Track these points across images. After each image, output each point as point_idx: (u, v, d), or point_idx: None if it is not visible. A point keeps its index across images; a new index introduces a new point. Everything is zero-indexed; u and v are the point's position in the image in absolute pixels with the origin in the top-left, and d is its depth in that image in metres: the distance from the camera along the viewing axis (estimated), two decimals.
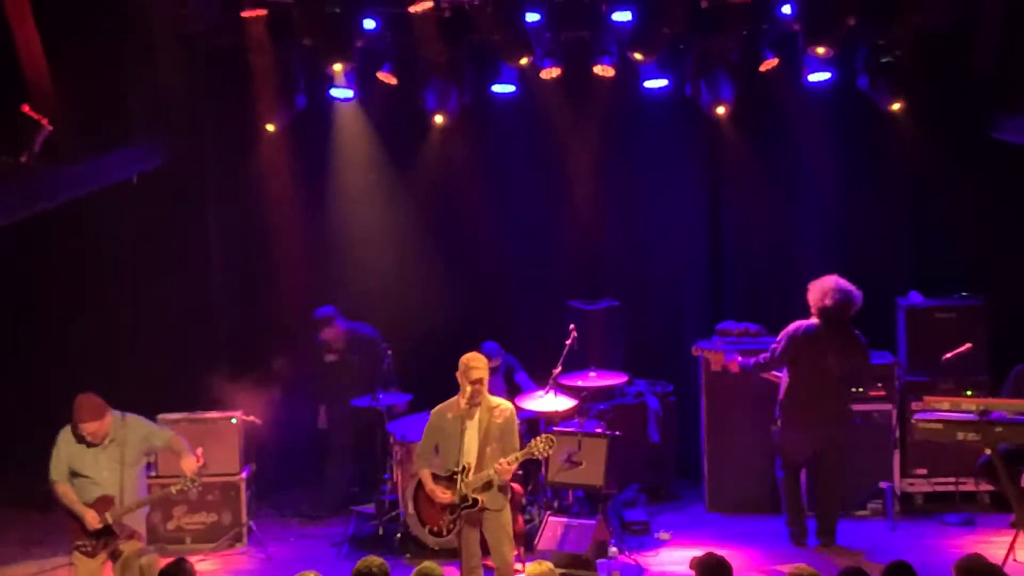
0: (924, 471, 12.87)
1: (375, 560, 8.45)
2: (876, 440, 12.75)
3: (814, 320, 11.97)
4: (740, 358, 12.20)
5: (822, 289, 11.94)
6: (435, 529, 10.49)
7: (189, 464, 10.56)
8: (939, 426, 11.17)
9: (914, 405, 12.45)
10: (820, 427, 11.95)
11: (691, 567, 8.17)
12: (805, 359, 11.90)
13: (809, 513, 12.24)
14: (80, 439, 10.39)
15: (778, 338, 12.06)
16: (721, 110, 13.45)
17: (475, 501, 10.22)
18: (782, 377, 12.10)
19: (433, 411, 10.58)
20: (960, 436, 11.16)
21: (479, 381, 10.22)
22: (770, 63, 13.19)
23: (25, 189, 11.98)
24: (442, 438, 10.42)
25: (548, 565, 8.70)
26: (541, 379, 12.44)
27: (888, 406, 12.79)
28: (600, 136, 14.05)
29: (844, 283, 11.93)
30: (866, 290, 13.59)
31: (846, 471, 12.22)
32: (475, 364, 10.25)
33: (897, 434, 12.75)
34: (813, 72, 13.26)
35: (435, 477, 10.44)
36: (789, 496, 12.19)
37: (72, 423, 10.41)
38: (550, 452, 10.45)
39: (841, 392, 12.03)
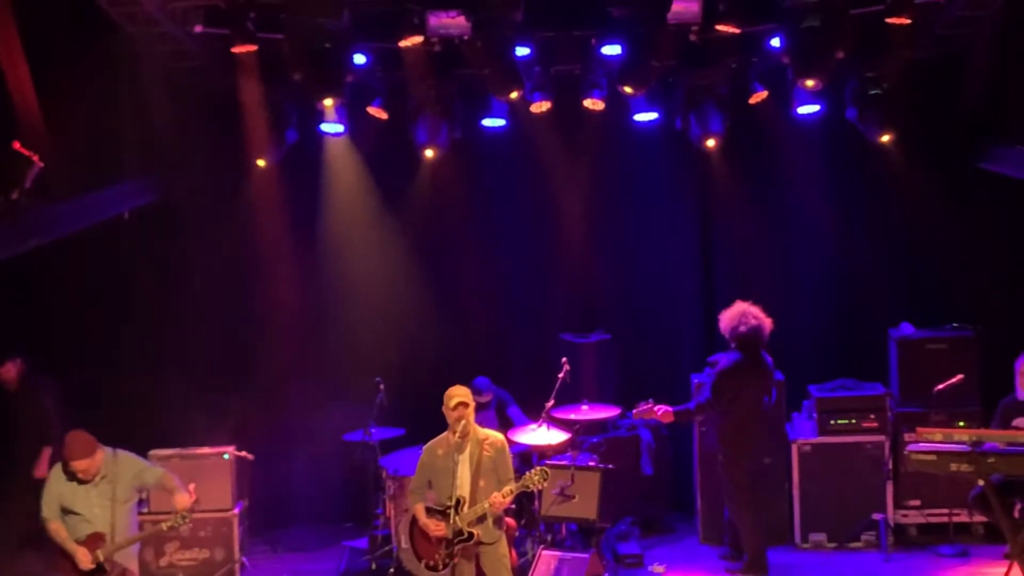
0: (918, 502, 12.87)
1: None
2: (869, 471, 12.76)
3: (734, 351, 12.05)
4: (669, 408, 12.11)
5: (733, 316, 12.07)
6: (431, 563, 10.45)
7: (182, 500, 10.53)
8: (932, 457, 11.14)
9: (907, 436, 12.51)
10: (760, 455, 12.14)
11: None
12: (737, 390, 11.97)
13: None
14: (71, 476, 10.37)
15: (712, 381, 12.08)
16: (711, 143, 13.46)
17: (470, 535, 10.20)
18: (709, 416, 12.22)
19: (425, 447, 10.57)
20: (953, 467, 11.13)
21: (461, 406, 10.22)
22: (760, 96, 13.23)
23: (17, 226, 11.97)
24: (434, 474, 10.42)
25: None
26: (534, 413, 12.42)
27: (881, 437, 12.80)
28: (590, 169, 14.07)
29: (754, 308, 12.04)
30: (858, 322, 13.74)
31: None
32: (454, 393, 10.28)
33: (890, 465, 12.73)
34: (802, 104, 13.30)
35: (429, 511, 10.42)
36: (752, 527, 12.15)
37: (63, 460, 10.39)
38: (544, 485, 10.44)
39: (770, 418, 12.21)
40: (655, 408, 11.99)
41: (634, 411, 12.14)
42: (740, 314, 12.06)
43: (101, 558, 10.27)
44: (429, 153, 13.76)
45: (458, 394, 10.28)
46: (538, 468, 10.32)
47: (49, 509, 10.43)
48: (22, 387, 12.34)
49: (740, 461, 12.04)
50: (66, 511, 10.39)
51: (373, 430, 12.67)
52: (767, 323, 12.07)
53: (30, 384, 12.36)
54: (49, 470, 10.70)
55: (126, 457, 10.61)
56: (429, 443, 10.55)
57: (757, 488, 12.20)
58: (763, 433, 12.19)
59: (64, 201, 12.61)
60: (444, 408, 10.31)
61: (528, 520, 12.35)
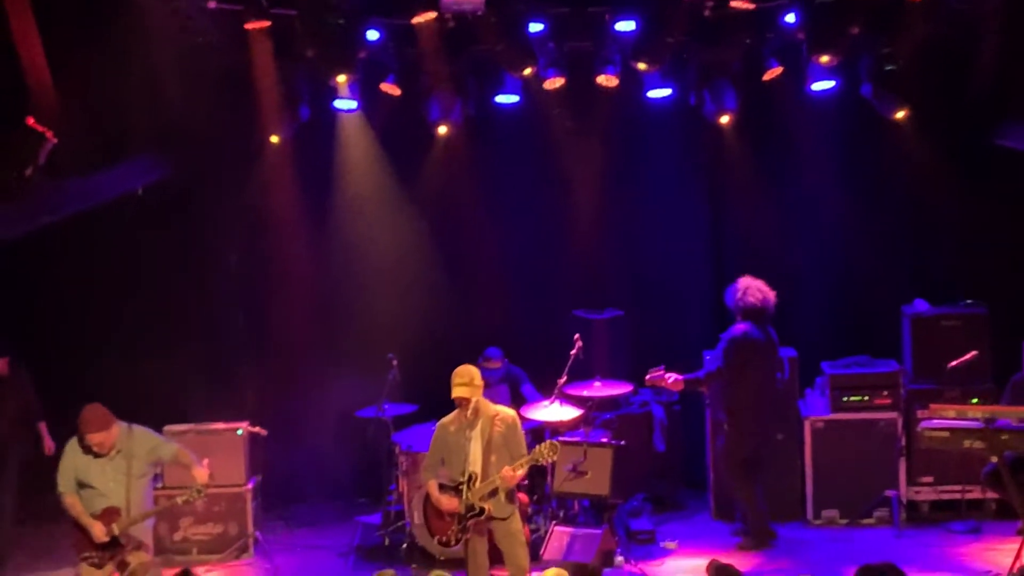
0: (930, 479, 12.85)
1: (385, 573, 8.44)
2: (882, 448, 12.76)
3: (743, 324, 12.11)
4: (679, 375, 12.15)
5: (739, 289, 12.17)
6: (443, 539, 10.47)
7: (198, 475, 10.57)
8: (945, 434, 11.14)
9: (920, 413, 12.47)
10: (766, 428, 12.21)
11: (707, 573, 8.14)
12: (747, 360, 12.04)
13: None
14: (87, 450, 10.40)
15: (722, 350, 12.13)
16: (725, 119, 13.45)
17: (482, 510, 10.22)
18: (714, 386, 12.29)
19: (437, 424, 10.59)
20: (966, 444, 11.14)
21: (459, 400, 10.23)
22: (774, 72, 13.19)
23: (30, 202, 12.00)
24: (446, 450, 10.43)
25: (561, 572, 8.68)
26: (546, 389, 12.42)
27: (894, 414, 12.79)
28: (603, 146, 14.04)
29: (758, 282, 12.15)
30: (871, 298, 13.72)
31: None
32: (456, 380, 10.25)
33: (903, 442, 12.73)
34: (817, 81, 13.26)
35: (442, 487, 10.43)
36: (753, 498, 12.20)
37: (79, 434, 10.42)
38: (554, 458, 10.43)
39: (775, 390, 12.26)
40: (665, 376, 12.01)
41: (647, 377, 12.18)
42: (745, 287, 12.15)
43: (116, 532, 10.30)
44: (442, 130, 13.74)
45: (459, 382, 10.24)
46: (548, 442, 10.32)
47: (65, 483, 10.46)
48: (10, 376, 12.33)
49: (744, 432, 12.11)
50: (82, 485, 10.42)
51: (386, 406, 12.68)
52: (772, 296, 12.10)
53: (16, 373, 12.36)
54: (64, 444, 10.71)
55: (141, 432, 10.64)
56: (441, 420, 10.57)
57: (761, 461, 12.25)
58: (771, 407, 12.25)
59: (77, 178, 12.63)
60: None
61: (540, 496, 12.37)
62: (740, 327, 12.16)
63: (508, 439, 10.30)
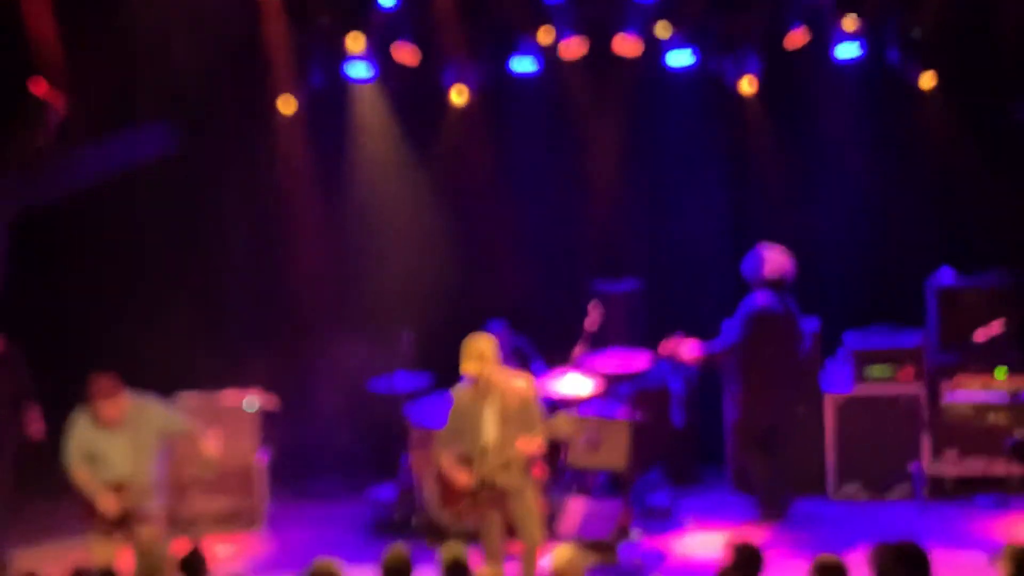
0: (954, 453, 12.66)
1: (398, 548, 8.33)
2: (905, 422, 12.60)
3: (761, 294, 11.97)
4: (697, 347, 12.07)
5: (758, 258, 12.04)
6: (456, 512, 10.35)
7: (208, 446, 10.50)
8: (970, 408, 11.05)
9: (944, 386, 12.34)
10: (782, 401, 12.07)
11: (725, 549, 7.99)
12: (765, 331, 11.92)
13: None
14: (96, 421, 10.32)
15: (739, 321, 12.02)
16: (747, 87, 13.36)
17: (496, 482, 10.08)
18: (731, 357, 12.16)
19: (453, 396, 10.44)
20: (991, 418, 11.07)
21: (468, 375, 10.07)
22: (797, 38, 13.03)
23: (40, 172, 11.96)
24: (461, 423, 10.28)
25: (575, 550, 8.56)
26: (562, 360, 12.27)
27: (918, 387, 12.62)
28: (622, 114, 13.93)
29: (776, 251, 12.02)
30: (895, 269, 13.62)
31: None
32: (465, 354, 10.07)
33: (927, 416, 12.57)
34: (841, 47, 13.10)
35: (456, 461, 10.28)
36: (765, 471, 12.09)
37: (88, 405, 10.32)
38: (571, 430, 10.28)
39: (796, 362, 12.10)
40: (682, 344, 11.87)
41: (661, 346, 12.05)
42: (764, 257, 12.01)
43: (125, 504, 10.22)
44: (457, 97, 13.65)
45: (468, 355, 10.06)
46: (565, 414, 10.19)
47: (73, 454, 10.37)
48: (5, 356, 12.25)
49: (759, 405, 12.01)
50: (91, 457, 10.33)
51: (398, 379, 12.57)
52: (791, 266, 11.98)
53: (10, 353, 12.27)
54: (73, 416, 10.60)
55: (151, 404, 10.57)
56: (456, 392, 10.43)
57: (777, 435, 12.14)
58: (789, 380, 12.13)
59: (87, 147, 12.60)
60: None
61: (556, 469, 12.24)
62: (758, 298, 12.01)
63: (524, 410, 10.13)
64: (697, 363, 12.27)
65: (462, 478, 10.18)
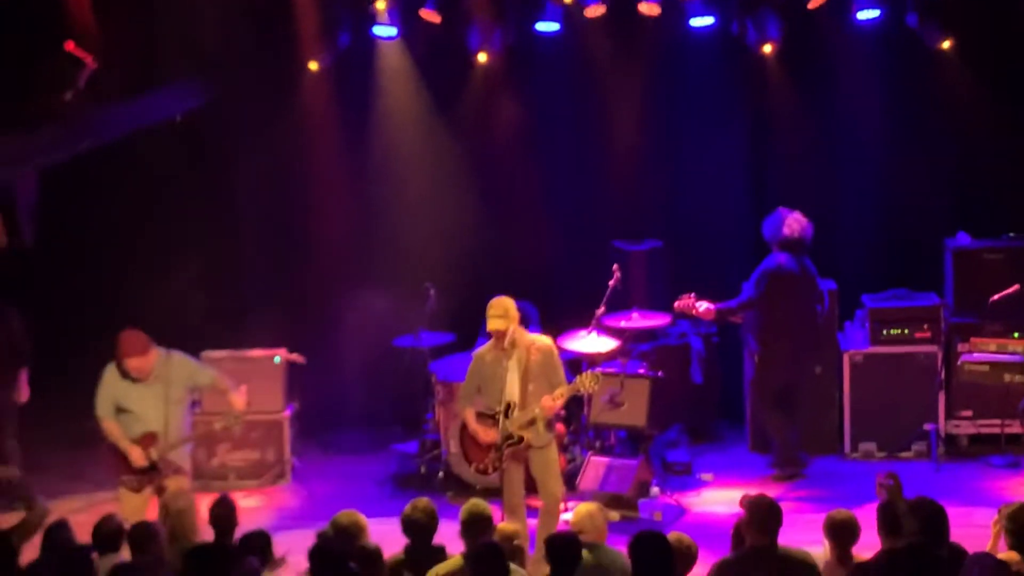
0: (969, 413, 12.76)
1: (421, 502, 8.47)
2: (921, 382, 12.68)
3: (779, 255, 12.04)
4: (710, 304, 12.13)
5: (776, 219, 12.10)
6: (480, 467, 10.47)
7: (236, 400, 10.60)
8: (985, 368, 11.11)
9: (960, 347, 12.46)
10: (798, 360, 12.13)
11: (741, 506, 8.12)
12: (781, 291, 11.98)
13: None
14: (125, 375, 10.41)
15: (756, 280, 12.09)
16: (768, 48, 13.36)
17: (520, 438, 10.21)
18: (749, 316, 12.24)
19: (474, 354, 10.57)
20: (1006, 378, 11.12)
21: (494, 332, 10.20)
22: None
23: (70, 127, 12.02)
24: (483, 380, 10.41)
25: (597, 505, 8.68)
26: (584, 320, 12.36)
27: (934, 348, 12.70)
28: (644, 75, 13.91)
29: (795, 213, 12.07)
30: (913, 231, 13.62)
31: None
32: (491, 312, 10.22)
33: (942, 376, 12.65)
34: (862, 9, 13.11)
35: (479, 416, 10.42)
36: (781, 428, 12.17)
37: (117, 359, 10.43)
38: (596, 388, 10.39)
39: (813, 322, 12.15)
40: (696, 304, 11.98)
41: (676, 304, 12.14)
42: (782, 218, 12.08)
43: (154, 457, 10.34)
44: (481, 58, 13.69)
45: (493, 314, 10.20)
46: (590, 372, 10.28)
47: (104, 407, 10.48)
48: None
49: (776, 364, 12.09)
50: (120, 410, 10.44)
51: (423, 335, 12.68)
52: (809, 227, 12.03)
53: (3, 315, 12.36)
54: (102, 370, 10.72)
55: (179, 358, 10.66)
56: (478, 350, 10.56)
57: (793, 393, 12.24)
58: (806, 339, 12.19)
59: (116, 103, 12.64)
60: None
61: (577, 426, 12.37)
62: (775, 258, 12.10)
63: (546, 368, 10.27)
64: (712, 319, 12.33)
65: (486, 434, 10.32)
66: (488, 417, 10.36)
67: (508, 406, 10.23)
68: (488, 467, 10.40)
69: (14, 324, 12.32)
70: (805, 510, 11.37)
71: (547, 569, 7.95)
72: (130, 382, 10.42)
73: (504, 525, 9.06)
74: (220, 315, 13.47)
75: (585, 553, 8.02)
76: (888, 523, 7.82)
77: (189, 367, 10.67)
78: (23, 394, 12.33)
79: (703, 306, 12.01)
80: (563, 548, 7.82)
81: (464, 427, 10.61)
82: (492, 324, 10.19)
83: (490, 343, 10.42)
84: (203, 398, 12.16)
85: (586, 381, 10.17)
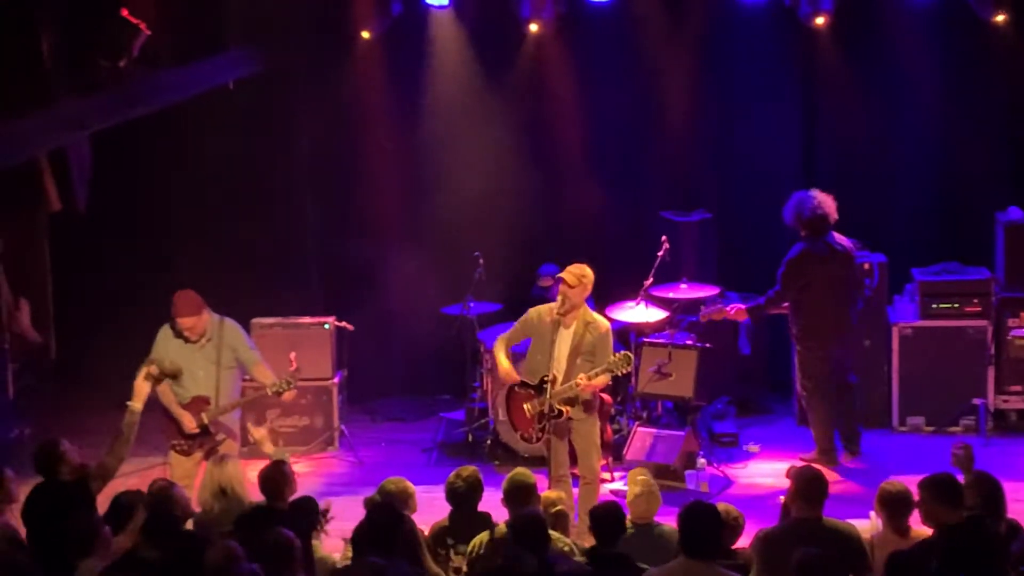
0: (1019, 388, 12.69)
1: (466, 470, 8.51)
2: (970, 356, 12.63)
3: (802, 242, 11.89)
4: (741, 304, 12.08)
5: (794, 205, 11.91)
6: (525, 436, 10.49)
7: (266, 383, 10.55)
8: None
9: (1010, 322, 12.42)
10: (835, 342, 11.92)
11: (787, 476, 8.12)
12: (807, 279, 11.80)
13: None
14: (178, 335, 10.50)
15: (779, 272, 11.95)
16: (820, 21, 13.33)
17: (560, 412, 10.21)
18: (788, 305, 12.03)
19: (531, 309, 10.54)
20: None
21: (562, 287, 10.16)
22: None
23: (123, 94, 12.08)
24: (535, 336, 10.36)
25: (647, 477, 8.70)
26: (632, 290, 12.35)
27: (984, 322, 12.64)
28: (696, 46, 13.89)
29: (813, 192, 11.87)
30: (963, 205, 13.57)
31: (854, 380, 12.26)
32: (569, 268, 10.22)
33: (992, 350, 12.59)
34: None
35: (524, 384, 10.42)
36: (822, 420, 12.04)
37: (170, 318, 10.51)
38: (628, 370, 10.29)
39: (847, 303, 11.99)
40: (727, 308, 11.92)
41: (702, 312, 12.10)
42: (799, 201, 11.89)
43: (205, 420, 10.43)
44: (533, 27, 13.71)
45: (572, 271, 10.20)
46: (622, 353, 10.18)
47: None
48: None
49: (814, 350, 11.92)
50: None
51: (471, 304, 12.72)
52: (829, 204, 11.85)
53: None
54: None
55: (231, 326, 10.72)
56: (537, 307, 10.53)
57: (836, 379, 12.04)
58: (841, 324, 11.96)
59: (170, 70, 12.70)
60: None
61: (624, 397, 12.39)
62: (796, 247, 11.91)
63: (596, 347, 10.22)
64: (747, 319, 12.24)
65: (527, 398, 10.29)
66: (532, 387, 10.36)
67: (552, 378, 10.21)
68: (532, 436, 10.41)
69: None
70: (852, 483, 11.37)
71: (590, 541, 8.01)
72: (183, 342, 10.50)
73: (548, 493, 9.09)
74: (270, 281, 13.57)
75: (632, 530, 8.14)
76: (947, 494, 7.74)
77: (238, 338, 10.72)
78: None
79: (733, 309, 11.93)
80: (607, 519, 7.87)
81: (511, 394, 10.62)
82: (565, 274, 10.18)
83: (551, 305, 10.38)
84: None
85: (619, 362, 10.09)
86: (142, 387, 9.69)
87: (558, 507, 8.74)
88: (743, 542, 8.20)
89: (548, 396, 10.15)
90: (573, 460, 10.51)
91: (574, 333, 10.22)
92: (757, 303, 12.11)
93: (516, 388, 10.49)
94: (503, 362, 10.46)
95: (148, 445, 11.96)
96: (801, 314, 11.94)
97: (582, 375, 10.06)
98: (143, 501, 8.25)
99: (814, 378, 12.00)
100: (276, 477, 8.62)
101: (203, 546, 7.45)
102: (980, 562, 6.97)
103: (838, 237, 11.98)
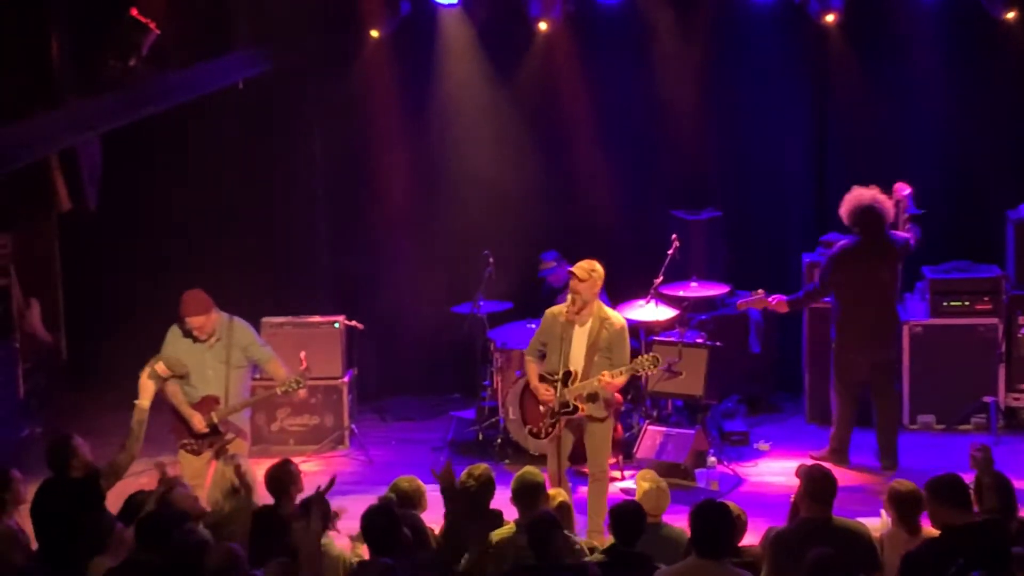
0: None
1: (477, 469, 8.50)
2: (981, 354, 12.62)
3: (852, 236, 11.79)
4: (783, 296, 11.99)
5: (850, 201, 11.74)
6: (535, 430, 10.45)
7: (282, 379, 10.56)
8: None
9: (1021, 319, 12.43)
10: (874, 346, 11.78)
11: (797, 475, 8.10)
12: (850, 278, 11.70)
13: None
14: (187, 334, 10.49)
15: (822, 266, 11.92)
16: (830, 18, 13.33)
17: (575, 408, 10.19)
18: (832, 301, 11.93)
19: (548, 310, 10.52)
20: None
21: (571, 281, 10.15)
22: None
23: (132, 94, 12.09)
24: (551, 338, 10.35)
25: (662, 487, 8.68)
26: (642, 289, 12.35)
27: (994, 320, 12.63)
28: (705, 43, 13.87)
29: (870, 191, 11.72)
30: (974, 203, 13.52)
31: (899, 389, 12.17)
32: (579, 263, 10.22)
33: (1003, 348, 12.58)
34: None
35: (542, 378, 10.39)
36: (841, 419, 11.97)
37: (179, 317, 10.50)
38: (655, 370, 10.32)
39: (892, 307, 11.91)
40: (769, 299, 11.86)
41: (739, 302, 12.08)
42: (855, 197, 11.77)
43: (215, 420, 10.41)
44: (542, 26, 13.71)
45: (582, 266, 10.19)
46: (651, 355, 10.20)
47: None
48: None
49: (848, 349, 11.81)
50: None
51: (481, 303, 12.72)
52: (887, 204, 11.75)
53: None
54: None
55: (241, 325, 10.70)
56: (551, 308, 10.52)
57: (865, 381, 11.89)
58: (882, 322, 11.81)
59: (179, 69, 12.71)
60: None
61: (635, 395, 12.38)
62: (840, 242, 11.87)
63: (613, 344, 10.18)
64: (788, 311, 12.11)
65: (547, 394, 10.24)
66: (549, 381, 10.32)
67: (570, 374, 10.21)
68: (541, 431, 10.37)
69: None
70: (862, 482, 11.35)
71: (599, 540, 7.99)
72: (192, 342, 10.49)
73: (554, 491, 9.04)
74: (280, 280, 13.58)
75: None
76: (952, 496, 7.70)
77: (249, 337, 10.69)
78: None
79: (775, 300, 11.81)
80: (628, 517, 7.86)
81: (525, 389, 10.60)
82: (576, 268, 10.17)
83: (564, 304, 10.34)
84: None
85: (646, 363, 10.09)
86: (147, 385, 9.72)
87: (559, 500, 8.75)
88: (749, 539, 8.19)
89: (564, 392, 10.10)
90: (574, 459, 10.49)
91: (590, 331, 10.19)
92: (797, 296, 12.04)
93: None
94: (537, 382, 10.35)
95: (157, 444, 12.03)
96: (838, 311, 11.88)
97: (605, 372, 10.04)
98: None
99: (841, 379, 11.93)
100: (282, 476, 8.61)
101: (199, 549, 7.41)
102: (998, 565, 6.93)
103: (897, 234, 11.86)
